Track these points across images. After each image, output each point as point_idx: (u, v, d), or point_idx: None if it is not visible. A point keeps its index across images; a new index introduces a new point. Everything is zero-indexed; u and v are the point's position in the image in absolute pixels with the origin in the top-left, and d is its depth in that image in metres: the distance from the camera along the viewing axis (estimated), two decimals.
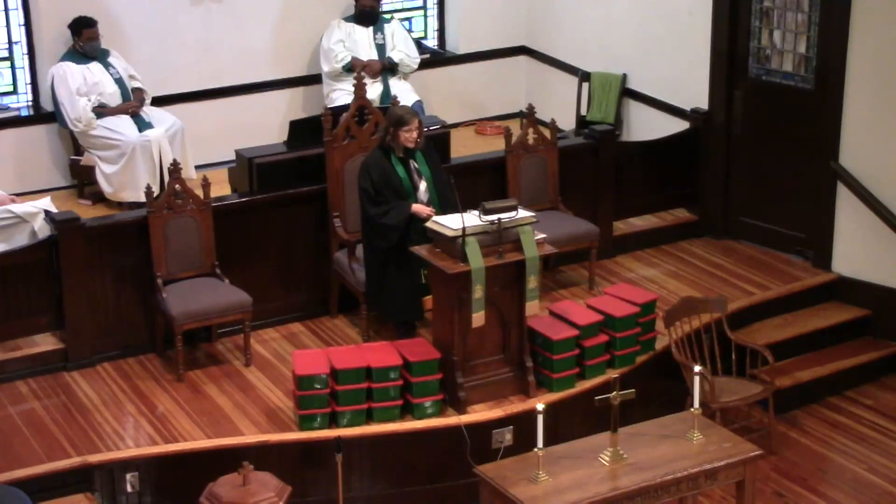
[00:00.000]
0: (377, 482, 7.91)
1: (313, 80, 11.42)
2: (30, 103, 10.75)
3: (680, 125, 10.62)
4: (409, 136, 8.32)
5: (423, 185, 8.43)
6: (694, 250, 10.26)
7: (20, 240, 8.62)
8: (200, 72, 11.02)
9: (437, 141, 9.10)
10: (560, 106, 11.41)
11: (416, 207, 8.28)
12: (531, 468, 6.75)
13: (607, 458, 6.87)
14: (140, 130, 10.25)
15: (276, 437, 7.77)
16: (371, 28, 11.28)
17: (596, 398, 6.93)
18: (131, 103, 10.39)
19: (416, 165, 8.42)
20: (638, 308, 8.48)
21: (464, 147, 10.81)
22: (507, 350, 8.10)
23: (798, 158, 9.87)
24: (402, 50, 11.32)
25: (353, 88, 9.09)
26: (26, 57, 10.66)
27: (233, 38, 11.10)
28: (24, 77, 10.73)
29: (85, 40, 10.30)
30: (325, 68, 11.22)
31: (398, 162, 8.39)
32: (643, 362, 8.53)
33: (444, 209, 8.28)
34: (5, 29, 10.56)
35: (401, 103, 9.32)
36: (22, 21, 10.57)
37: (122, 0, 10.67)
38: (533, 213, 8.10)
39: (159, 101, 10.74)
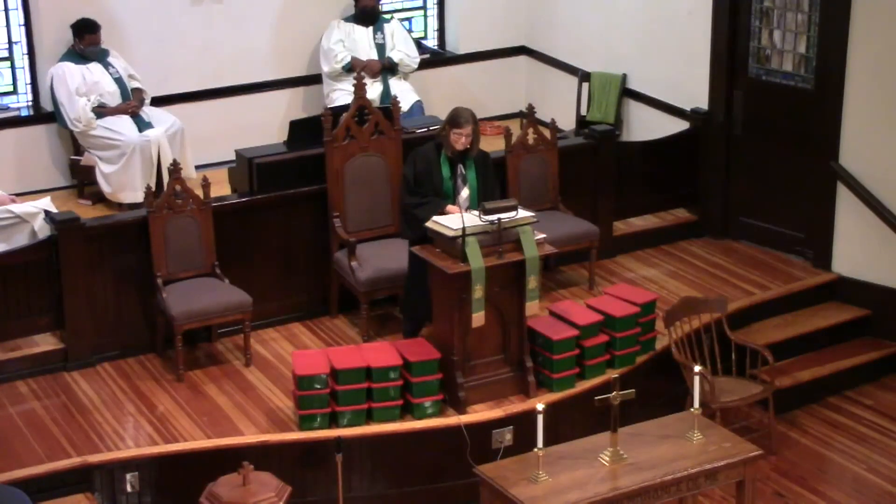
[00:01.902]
0: (377, 482, 7.91)
1: (313, 80, 11.42)
2: (30, 103, 10.75)
3: (680, 125, 10.62)
4: (457, 138, 8.22)
5: (465, 193, 8.34)
6: (694, 250, 10.26)
7: (20, 240, 8.62)
8: (200, 72, 11.02)
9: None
10: (560, 106, 11.40)
11: (451, 209, 8.22)
12: (531, 468, 6.75)
13: (607, 458, 6.87)
14: (140, 130, 10.26)
15: (276, 437, 7.77)
16: (371, 28, 11.28)
17: (596, 398, 6.93)
18: (131, 103, 10.39)
19: (463, 171, 8.37)
20: (638, 308, 8.48)
21: None
22: (507, 350, 8.10)
23: (798, 158, 9.87)
24: (402, 50, 11.32)
25: (353, 88, 9.09)
26: (26, 57, 10.66)
27: (233, 38, 11.10)
28: (24, 77, 10.72)
29: (87, 44, 10.30)
30: (325, 68, 11.22)
31: (446, 161, 8.34)
32: (643, 362, 8.53)
33: None
34: (5, 29, 10.56)
35: (401, 104, 9.33)
36: (22, 21, 10.57)
37: (122, 0, 10.67)
38: (533, 213, 8.09)
39: (159, 101, 10.74)
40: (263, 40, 11.26)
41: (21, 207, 8.75)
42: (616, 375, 7.08)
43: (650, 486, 6.75)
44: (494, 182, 8.52)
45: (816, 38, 9.64)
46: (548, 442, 6.79)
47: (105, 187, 10.32)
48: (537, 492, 6.64)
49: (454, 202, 8.30)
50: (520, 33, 12.28)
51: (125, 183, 10.21)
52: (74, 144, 10.49)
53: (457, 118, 8.25)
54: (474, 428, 7.87)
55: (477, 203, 8.28)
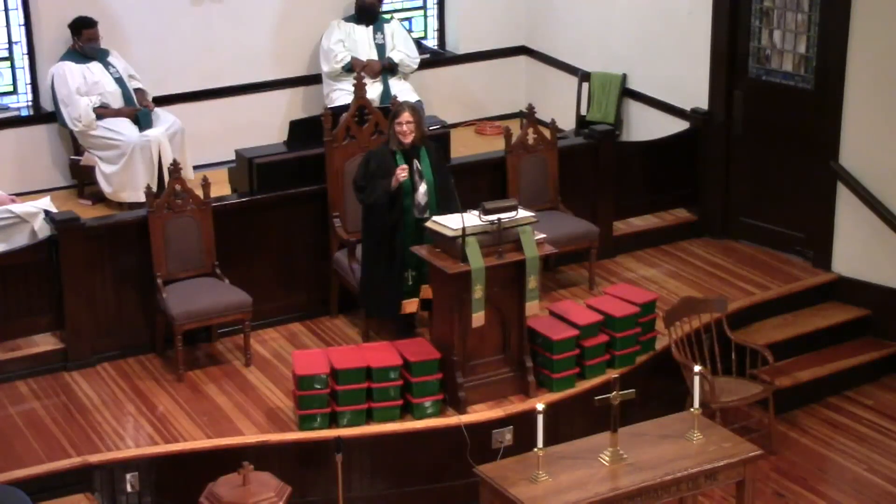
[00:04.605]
0: (377, 482, 7.91)
1: (313, 80, 11.42)
2: (30, 103, 10.75)
3: (680, 125, 10.62)
4: (399, 128, 8.29)
5: (423, 188, 8.39)
6: (694, 250, 10.26)
7: (20, 240, 8.62)
8: (200, 72, 11.02)
9: (437, 141, 9.08)
10: (560, 106, 11.40)
11: (398, 174, 8.24)
12: (531, 468, 6.75)
13: (607, 458, 6.87)
14: (140, 130, 10.25)
15: (276, 437, 7.77)
16: (371, 28, 11.28)
17: (596, 398, 6.93)
18: (133, 108, 10.36)
19: (419, 167, 8.40)
20: (638, 308, 8.48)
21: (464, 147, 10.81)
22: (507, 350, 8.10)
23: (798, 158, 9.87)
24: (402, 50, 11.32)
25: (353, 88, 9.10)
26: (26, 57, 10.66)
27: (233, 38, 11.10)
28: (24, 77, 10.72)
29: (84, 41, 10.30)
30: (325, 68, 11.22)
31: (402, 159, 8.37)
32: (643, 362, 8.53)
33: (442, 213, 8.23)
34: (5, 29, 10.56)
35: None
36: (22, 21, 10.56)
37: (122, 0, 10.67)
38: (533, 213, 8.10)
39: (159, 101, 10.72)
40: (263, 40, 11.26)
41: (21, 207, 8.75)
42: (616, 375, 7.08)
43: (650, 486, 6.75)
44: (448, 173, 8.53)
45: (816, 38, 9.64)
46: (548, 442, 6.79)
47: (105, 187, 10.32)
48: (537, 492, 6.64)
49: (412, 199, 8.34)
50: (520, 33, 12.28)
51: (126, 183, 10.21)
52: (74, 144, 10.49)
53: (395, 109, 8.37)
54: (474, 428, 7.87)
55: (435, 196, 8.32)
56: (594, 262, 9.56)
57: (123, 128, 10.24)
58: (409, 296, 8.36)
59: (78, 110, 10.16)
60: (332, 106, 10.40)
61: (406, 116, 8.29)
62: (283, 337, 8.95)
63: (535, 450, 6.75)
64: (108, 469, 7.55)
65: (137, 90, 10.53)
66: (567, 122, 11.20)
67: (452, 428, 7.87)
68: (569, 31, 11.79)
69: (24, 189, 10.20)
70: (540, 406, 6.72)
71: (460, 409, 7.94)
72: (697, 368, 7.21)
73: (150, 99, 10.53)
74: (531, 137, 9.56)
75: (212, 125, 10.98)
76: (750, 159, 10.20)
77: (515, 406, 8.02)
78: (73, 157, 10.54)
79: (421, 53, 11.61)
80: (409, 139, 8.29)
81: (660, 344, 8.66)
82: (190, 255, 8.62)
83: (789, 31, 9.84)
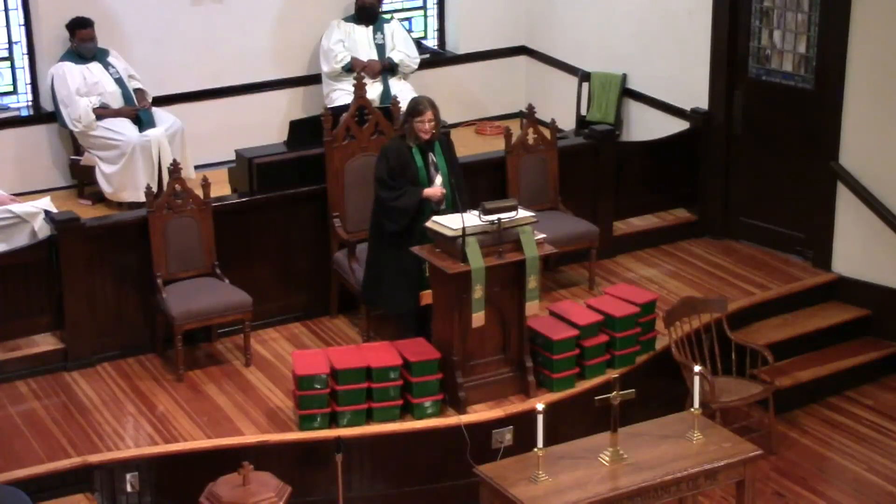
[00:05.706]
0: (377, 482, 7.91)
1: (313, 80, 11.42)
2: (30, 103, 10.75)
3: (680, 125, 10.62)
4: (422, 126, 8.28)
5: (438, 179, 8.37)
6: (694, 250, 10.26)
7: (20, 240, 8.62)
8: (200, 72, 11.02)
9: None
10: (560, 106, 11.41)
11: (427, 191, 8.26)
12: (531, 468, 6.75)
13: (607, 458, 6.87)
14: (140, 130, 10.25)
15: (276, 437, 7.77)
16: (371, 28, 11.28)
17: (596, 398, 6.93)
18: (132, 108, 10.36)
19: (433, 158, 8.40)
20: (638, 308, 8.48)
21: (464, 147, 10.77)
22: (507, 350, 8.10)
23: (798, 158, 9.87)
24: (402, 50, 11.32)
25: (352, 88, 9.10)
26: (26, 57, 10.66)
27: (233, 38, 11.10)
28: (24, 77, 10.73)
29: (79, 41, 10.30)
30: (325, 68, 11.22)
31: (418, 151, 8.36)
32: (643, 362, 8.53)
33: (455, 206, 8.23)
34: (5, 29, 10.56)
35: (401, 104, 9.32)
36: (22, 21, 10.57)
37: (121, 0, 10.67)
38: (533, 213, 8.09)
39: (159, 101, 10.73)
40: (263, 40, 11.27)
41: (21, 207, 8.75)
42: (616, 375, 7.08)
43: (650, 486, 6.75)
44: (458, 167, 8.54)
45: (816, 38, 9.64)
46: (548, 442, 6.79)
47: (106, 187, 10.33)
48: (537, 492, 6.64)
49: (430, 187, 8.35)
50: (520, 33, 12.28)
51: (126, 183, 10.22)
52: (74, 144, 10.50)
53: (416, 106, 8.32)
54: (474, 428, 7.87)
55: (449, 187, 8.31)
56: (594, 262, 9.56)
57: (123, 128, 10.25)
58: (427, 288, 8.32)
59: (78, 111, 10.17)
60: (332, 106, 10.40)
61: (429, 115, 8.26)
62: (283, 337, 8.95)
63: (535, 450, 6.74)
64: (108, 469, 7.55)
65: (137, 90, 10.53)
66: (567, 122, 11.21)
67: (452, 428, 7.87)
68: (569, 31, 11.79)
69: (24, 189, 10.20)
70: (540, 406, 6.72)
71: (460, 409, 7.94)
72: (697, 368, 7.21)
73: (149, 99, 10.53)
74: (531, 137, 9.56)
75: (212, 125, 10.99)
76: (750, 159, 10.20)
77: (515, 406, 8.02)
78: (73, 157, 10.54)
79: (421, 53, 11.61)
80: (429, 136, 8.29)
81: (660, 344, 8.66)
82: (190, 255, 8.62)
83: (789, 31, 9.84)
